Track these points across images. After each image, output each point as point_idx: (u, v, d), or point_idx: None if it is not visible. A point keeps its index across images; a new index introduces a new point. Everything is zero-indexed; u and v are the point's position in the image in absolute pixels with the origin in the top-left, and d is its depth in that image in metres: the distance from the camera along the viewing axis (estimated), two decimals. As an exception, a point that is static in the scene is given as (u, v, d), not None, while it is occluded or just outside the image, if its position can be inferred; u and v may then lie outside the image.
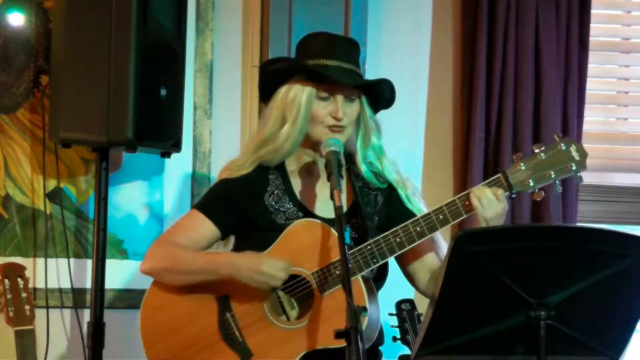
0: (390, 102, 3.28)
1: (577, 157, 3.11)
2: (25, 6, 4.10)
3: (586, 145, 4.46)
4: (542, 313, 2.73)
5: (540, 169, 3.09)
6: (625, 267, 2.72)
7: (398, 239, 3.10)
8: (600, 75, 4.66)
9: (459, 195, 3.13)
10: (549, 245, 2.70)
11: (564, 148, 3.10)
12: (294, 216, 3.21)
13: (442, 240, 3.25)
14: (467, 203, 3.09)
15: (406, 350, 3.94)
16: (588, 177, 4.57)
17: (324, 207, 3.22)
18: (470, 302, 2.75)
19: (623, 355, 2.86)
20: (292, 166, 3.28)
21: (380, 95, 3.25)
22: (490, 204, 3.06)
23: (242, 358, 3.13)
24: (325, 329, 3.07)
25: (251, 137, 3.39)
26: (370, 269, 3.11)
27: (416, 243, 3.12)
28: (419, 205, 3.25)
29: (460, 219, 3.12)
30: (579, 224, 4.35)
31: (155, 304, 3.22)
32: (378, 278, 3.21)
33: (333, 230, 3.11)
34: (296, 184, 3.27)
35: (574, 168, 3.10)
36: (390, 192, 3.28)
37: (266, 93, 3.27)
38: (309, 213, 3.23)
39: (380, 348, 3.30)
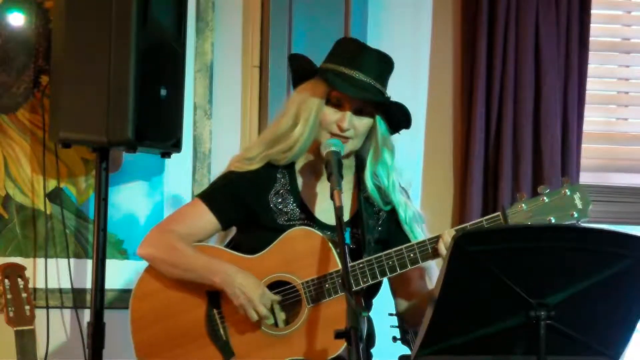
0: (407, 123, 3.24)
1: (579, 206, 3.08)
2: (25, 6, 4.10)
3: (586, 146, 4.52)
4: (542, 313, 2.73)
5: (541, 212, 3.07)
6: (625, 267, 2.72)
7: (390, 262, 3.10)
8: (600, 75, 4.67)
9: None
10: (549, 245, 2.70)
11: (568, 194, 3.07)
12: (295, 218, 3.22)
13: (434, 265, 3.23)
14: (435, 247, 3.08)
15: (406, 350, 3.94)
16: (588, 177, 4.59)
17: (328, 212, 3.20)
18: (470, 302, 2.75)
19: (623, 355, 2.86)
20: (300, 167, 3.28)
21: (391, 115, 3.22)
22: None
23: (224, 357, 3.14)
24: (308, 341, 3.08)
25: (267, 128, 3.36)
26: (360, 287, 3.11)
27: (397, 273, 3.11)
28: (416, 231, 3.24)
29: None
30: (579, 224, 4.35)
31: (146, 290, 3.23)
32: (371, 286, 3.19)
33: (329, 243, 3.12)
34: (302, 186, 3.27)
35: (575, 216, 3.08)
36: (393, 210, 3.27)
37: (296, 84, 3.28)
38: (311, 216, 3.23)
39: (379, 348, 3.31)
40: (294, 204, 3.23)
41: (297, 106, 3.20)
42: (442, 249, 3.04)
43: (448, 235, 3.04)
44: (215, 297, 3.17)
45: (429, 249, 3.09)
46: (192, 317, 3.17)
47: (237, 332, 3.14)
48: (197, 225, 3.25)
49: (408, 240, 3.19)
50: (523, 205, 3.07)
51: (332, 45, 3.29)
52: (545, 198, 3.07)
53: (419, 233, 3.23)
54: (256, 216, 3.23)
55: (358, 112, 3.18)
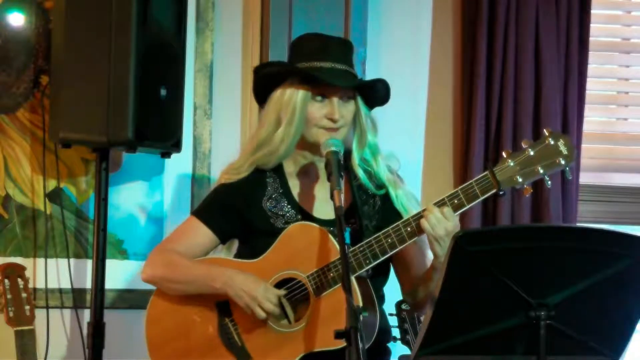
0: (385, 100, 3.28)
1: (564, 152, 3.06)
2: (25, 6, 4.10)
3: (586, 146, 4.52)
4: (542, 313, 2.73)
5: (528, 164, 3.06)
6: (625, 267, 2.72)
7: (390, 240, 3.10)
8: (600, 75, 4.66)
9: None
10: (549, 245, 2.70)
11: (552, 143, 3.07)
12: (292, 219, 3.22)
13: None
14: (419, 223, 3.09)
15: (406, 350, 3.94)
16: (588, 177, 4.60)
17: (323, 208, 3.23)
18: (470, 302, 2.75)
19: (623, 355, 2.86)
20: (289, 168, 3.28)
21: (376, 94, 3.25)
22: (439, 223, 3.04)
23: None
24: (321, 331, 3.07)
25: (249, 139, 3.40)
26: (364, 269, 3.11)
27: (396, 250, 3.11)
28: (409, 208, 3.24)
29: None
30: (579, 224, 4.35)
31: (157, 313, 3.25)
32: (378, 275, 3.21)
33: (328, 233, 3.12)
34: (294, 186, 3.27)
35: (562, 162, 3.07)
36: (387, 194, 3.28)
37: (261, 96, 3.28)
38: (307, 215, 3.23)
39: (388, 345, 3.31)
40: (289, 206, 3.23)
41: (277, 111, 3.20)
42: (424, 223, 3.05)
43: (426, 210, 3.06)
44: (224, 306, 3.17)
45: (414, 227, 3.09)
46: (206, 330, 3.18)
47: (251, 336, 3.15)
48: (195, 241, 3.26)
49: (400, 216, 3.19)
50: (509, 161, 3.08)
51: (292, 44, 3.31)
52: (530, 150, 3.07)
53: (411, 207, 3.23)
54: (253, 224, 3.24)
55: (342, 100, 3.20)
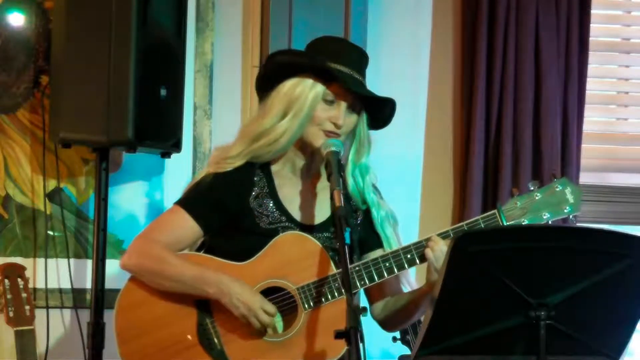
0: (387, 122, 3.23)
1: (571, 200, 3.11)
2: (25, 6, 4.10)
3: (586, 146, 4.52)
4: (542, 313, 2.73)
5: (535, 208, 3.10)
6: (625, 267, 2.72)
7: (387, 264, 3.08)
8: (600, 75, 4.67)
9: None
10: (549, 245, 2.70)
11: (559, 189, 3.11)
12: (277, 220, 3.14)
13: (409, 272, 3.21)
14: (422, 252, 3.08)
15: (406, 350, 3.95)
16: (588, 177, 4.60)
17: (307, 212, 3.18)
18: (470, 302, 2.75)
19: (623, 355, 2.86)
20: (277, 167, 3.21)
21: (381, 113, 3.20)
22: (443, 255, 2.98)
23: None
24: (306, 345, 3.03)
25: (248, 125, 3.24)
26: (358, 290, 3.10)
27: (394, 274, 3.10)
28: (388, 231, 3.21)
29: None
30: (579, 224, 4.35)
31: (132, 301, 3.15)
32: None
33: (321, 247, 3.09)
34: (280, 186, 3.19)
35: (567, 210, 3.11)
36: (368, 211, 3.24)
37: (268, 82, 3.18)
38: (290, 217, 3.16)
39: (378, 348, 3.29)
40: (274, 207, 3.16)
41: (285, 102, 3.12)
42: (429, 253, 3.05)
43: (431, 241, 3.06)
44: (205, 306, 3.09)
45: (414, 255, 3.09)
46: (183, 327, 3.09)
47: (232, 340, 3.08)
48: (180, 233, 3.16)
49: (380, 241, 3.19)
50: (517, 202, 3.10)
51: (311, 42, 3.22)
52: (537, 194, 3.11)
53: (390, 233, 3.20)
54: (238, 220, 3.15)
55: (349, 109, 3.15)
